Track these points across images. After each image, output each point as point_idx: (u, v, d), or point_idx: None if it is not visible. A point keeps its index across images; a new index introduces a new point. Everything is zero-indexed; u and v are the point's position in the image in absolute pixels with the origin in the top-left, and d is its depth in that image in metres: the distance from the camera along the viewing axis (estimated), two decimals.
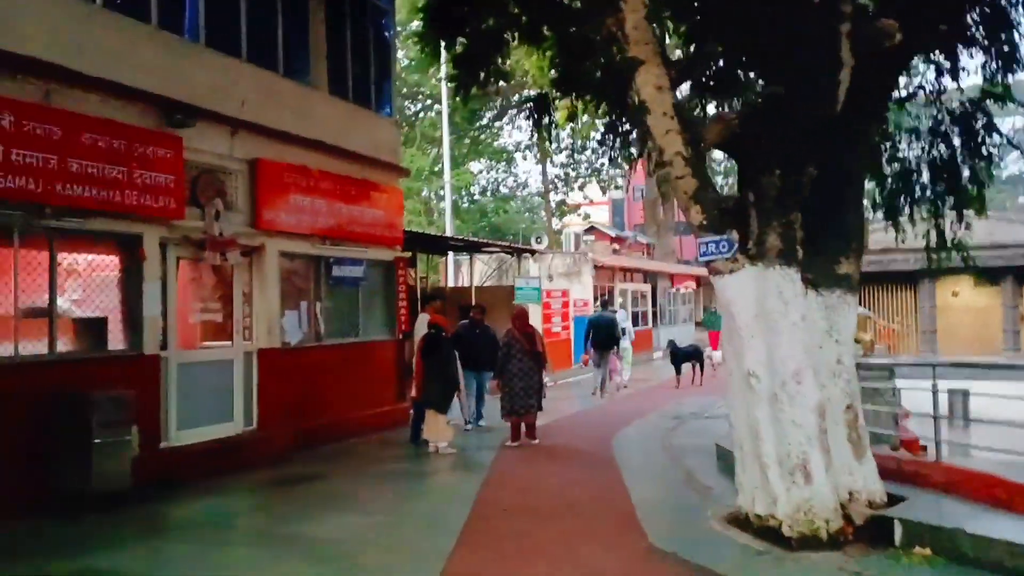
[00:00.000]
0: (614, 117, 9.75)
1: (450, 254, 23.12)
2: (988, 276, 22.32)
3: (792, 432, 5.46)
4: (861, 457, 5.75)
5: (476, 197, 43.15)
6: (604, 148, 10.77)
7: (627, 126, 13.38)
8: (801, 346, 5.54)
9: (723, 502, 6.69)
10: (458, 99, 10.69)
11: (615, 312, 17.45)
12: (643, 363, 25.28)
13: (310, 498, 7.58)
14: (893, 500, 5.74)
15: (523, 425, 10.11)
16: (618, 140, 14.18)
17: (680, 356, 17.64)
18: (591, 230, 30.52)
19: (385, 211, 12.17)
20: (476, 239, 19.39)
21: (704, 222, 5.94)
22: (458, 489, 7.95)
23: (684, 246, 40.42)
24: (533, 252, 19.77)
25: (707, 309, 27.34)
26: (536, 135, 9.98)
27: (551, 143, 36.27)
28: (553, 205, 41.80)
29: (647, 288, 28.16)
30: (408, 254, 13.98)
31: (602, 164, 42.41)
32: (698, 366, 18.06)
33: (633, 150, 15.69)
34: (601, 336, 15.46)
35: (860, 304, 19.96)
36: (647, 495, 7.18)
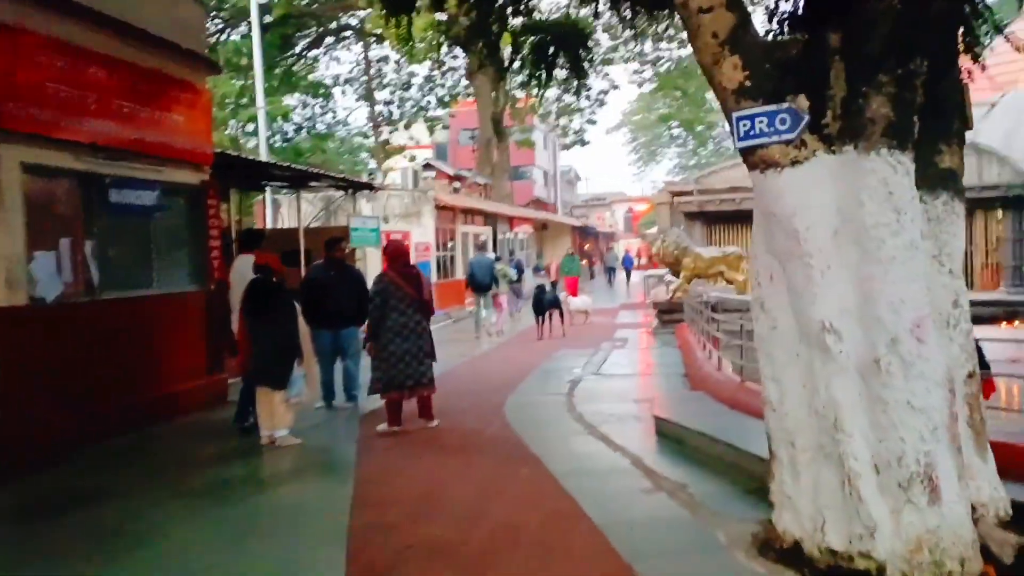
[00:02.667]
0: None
1: (268, 192, 19.67)
2: None
3: (908, 420, 3.34)
4: (983, 451, 3.78)
5: (290, 135, 38.87)
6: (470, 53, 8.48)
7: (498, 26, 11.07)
8: (922, 282, 3.41)
9: (726, 513, 4.58)
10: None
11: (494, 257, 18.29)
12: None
13: (79, 541, 4.67)
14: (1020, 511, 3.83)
15: (406, 403, 7.53)
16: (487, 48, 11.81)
17: (545, 304, 15.64)
18: (429, 167, 27.75)
19: (187, 117, 8.96)
20: (305, 168, 16.17)
21: (746, 82, 3.63)
22: (316, 508, 5.31)
23: (518, 191, 38.73)
24: (372, 187, 16.86)
25: (570, 254, 25.64)
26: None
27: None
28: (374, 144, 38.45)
29: (487, 231, 26.02)
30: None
31: (428, 102, 39.86)
32: (558, 315, 16.20)
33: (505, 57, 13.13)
34: (480, 279, 15.87)
35: (712, 243, 18.59)
36: (609, 508, 4.90)
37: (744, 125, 3.64)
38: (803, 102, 3.53)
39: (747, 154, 3.70)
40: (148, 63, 8.24)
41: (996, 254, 20.95)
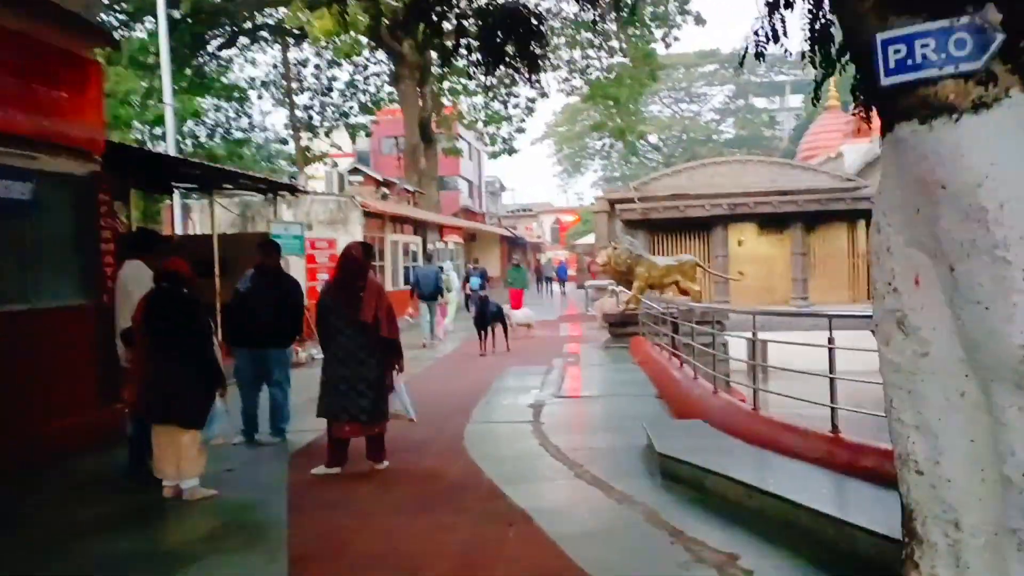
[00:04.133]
0: None
1: (176, 195, 17.79)
2: (774, 223, 21.52)
3: None
4: None
5: (203, 139, 36.41)
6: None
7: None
8: None
9: None
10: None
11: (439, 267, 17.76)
12: (416, 325, 21.78)
13: None
14: None
15: (349, 439, 6.13)
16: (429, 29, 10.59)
17: (488, 317, 14.34)
18: (356, 171, 26.10)
19: (70, 95, 7.34)
20: (219, 166, 14.46)
21: None
22: None
23: (444, 200, 37.28)
24: (296, 189, 15.23)
25: (515, 265, 24.31)
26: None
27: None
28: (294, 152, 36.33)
29: (417, 240, 24.55)
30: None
31: (351, 108, 38.10)
32: (501, 329, 14.94)
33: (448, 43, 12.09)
34: (426, 288, 15.83)
35: (655, 252, 17.67)
36: None
37: (895, 52, 2.46)
38: (992, 15, 2.37)
39: (897, 96, 2.52)
40: (14, 24, 6.62)
41: None
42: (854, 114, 6.57)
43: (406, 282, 23.15)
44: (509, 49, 9.99)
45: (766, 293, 21.36)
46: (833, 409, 5.29)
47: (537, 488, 5.60)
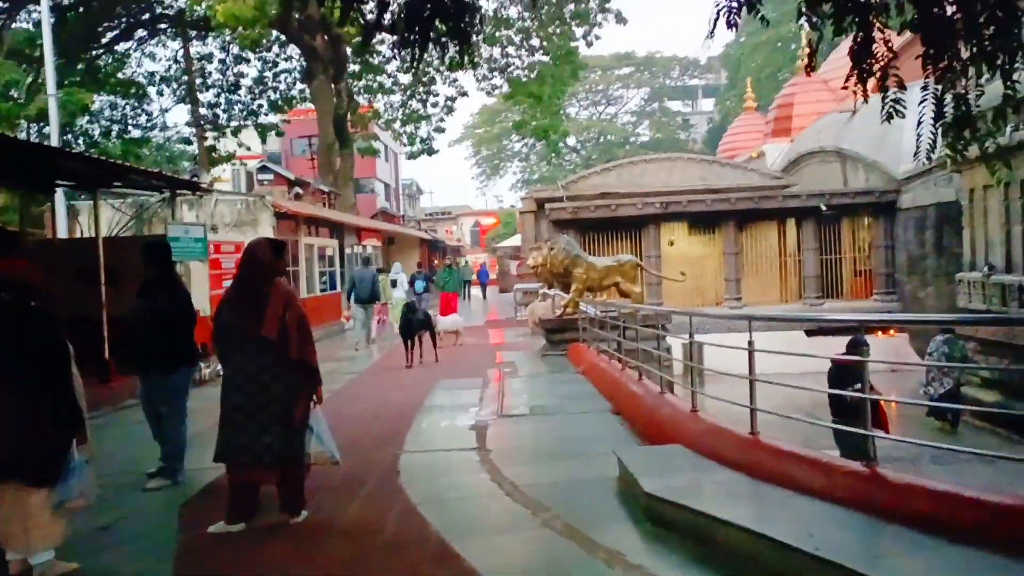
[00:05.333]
0: None
1: (60, 194, 15.97)
2: (704, 223, 20.99)
3: None
4: None
5: (97, 138, 33.74)
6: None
7: None
8: None
9: None
10: None
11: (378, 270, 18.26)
12: (336, 335, 20.39)
13: None
14: None
15: (255, 485, 4.89)
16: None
17: (415, 326, 13.12)
18: (266, 169, 24.35)
19: None
20: (105, 158, 12.79)
21: None
22: None
23: (361, 203, 35.61)
24: (198, 187, 13.62)
25: (448, 266, 23.03)
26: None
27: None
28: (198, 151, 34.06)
29: (334, 244, 23.06)
30: None
31: (260, 106, 36.12)
32: (429, 337, 13.75)
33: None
34: (363, 292, 15.82)
35: (588, 251, 16.79)
36: None
37: None
38: None
39: None
40: None
41: (868, 261, 20.57)
42: (844, 87, 5.78)
43: (328, 289, 21.74)
44: (437, 24, 8.89)
45: (698, 294, 20.82)
46: (752, 411, 5.10)
47: (498, 543, 4.49)
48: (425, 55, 10.12)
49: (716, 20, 6.27)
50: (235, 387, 4.81)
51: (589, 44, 30.91)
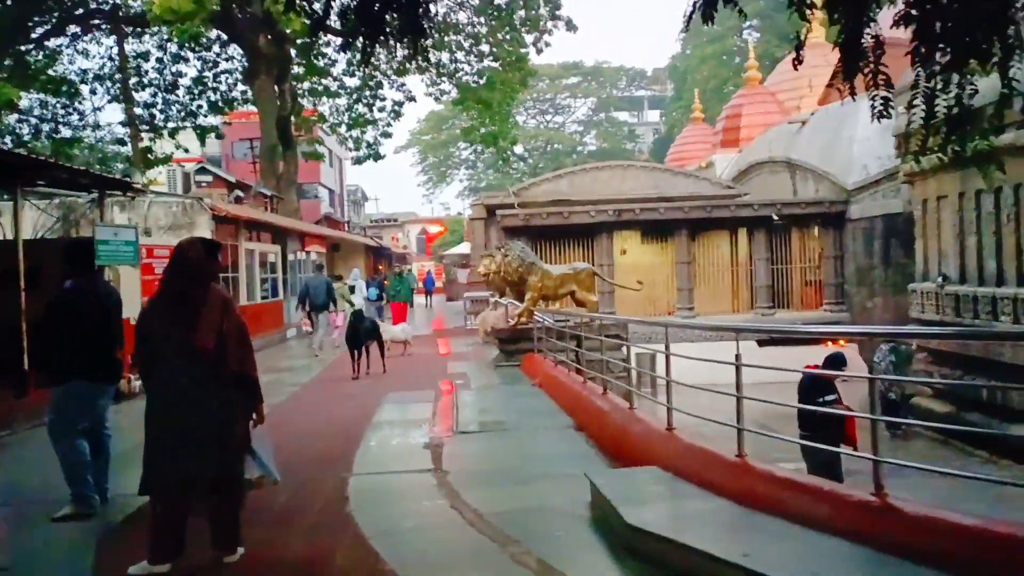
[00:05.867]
0: None
1: None
2: (657, 231, 20.79)
3: None
4: None
5: (26, 139, 32.10)
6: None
7: None
8: None
9: None
10: None
11: (329, 277, 18.08)
12: (276, 344, 19.58)
13: None
14: None
15: (182, 518, 4.25)
16: None
17: (362, 335, 12.49)
18: (204, 171, 23.33)
19: None
20: (27, 153, 11.87)
21: None
22: None
23: (304, 209, 34.59)
24: (129, 186, 12.71)
25: (398, 274, 22.23)
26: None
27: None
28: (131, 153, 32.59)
29: (276, 249, 22.21)
30: None
31: (199, 107, 34.89)
32: (376, 347, 13.14)
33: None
34: (317, 298, 15.81)
35: (543, 258, 16.40)
36: None
37: None
38: None
39: None
40: None
41: (818, 272, 20.62)
42: (830, 84, 5.45)
43: (269, 296, 20.89)
44: (388, 18, 8.39)
45: (649, 304, 20.57)
46: (740, 431, 4.68)
47: None
48: (376, 49, 9.58)
49: (692, 14, 5.92)
50: (163, 405, 4.21)
51: (539, 51, 30.60)
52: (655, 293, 20.88)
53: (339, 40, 34.13)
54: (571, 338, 10.22)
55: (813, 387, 7.33)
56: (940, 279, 13.48)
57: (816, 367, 7.41)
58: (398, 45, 8.74)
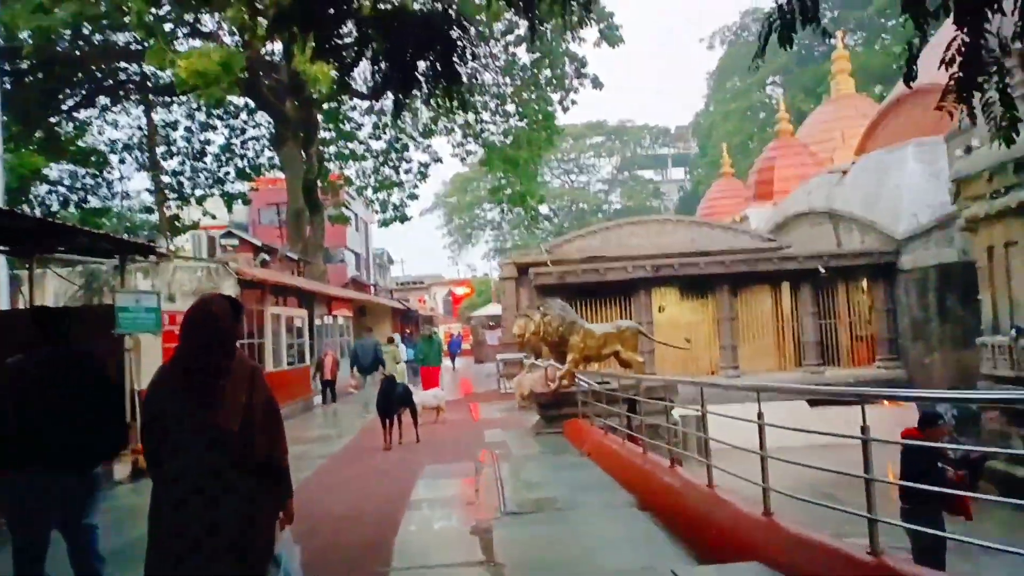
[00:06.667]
0: None
1: (3, 262, 14.64)
2: (696, 287, 19.97)
3: None
4: None
5: (55, 209, 32.23)
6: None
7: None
8: None
9: None
10: None
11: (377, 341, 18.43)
12: (301, 413, 18.83)
13: None
14: None
15: None
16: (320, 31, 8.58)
17: (395, 402, 11.71)
18: (231, 235, 23.01)
19: None
20: (47, 219, 11.42)
21: None
22: None
23: (331, 273, 34.22)
24: (152, 250, 12.17)
25: (426, 337, 20.88)
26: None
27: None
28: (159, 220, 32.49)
29: (303, 314, 21.64)
30: None
31: (226, 174, 35.05)
32: (409, 415, 12.32)
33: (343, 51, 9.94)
34: (365, 361, 16.93)
35: (581, 315, 15.55)
36: None
37: None
38: None
39: None
40: None
41: (868, 326, 19.61)
42: (938, 107, 4.73)
43: (296, 362, 20.21)
44: (421, 66, 7.89)
45: (691, 363, 19.65)
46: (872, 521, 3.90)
47: None
48: (409, 98, 9.01)
49: (768, 36, 5.30)
50: (173, 503, 3.41)
51: (565, 109, 30.44)
52: (697, 351, 19.95)
53: (365, 104, 34.47)
54: (624, 402, 9.38)
55: (919, 455, 6.32)
56: (1014, 332, 12.50)
57: (915, 431, 6.50)
58: (430, 95, 8.21)
